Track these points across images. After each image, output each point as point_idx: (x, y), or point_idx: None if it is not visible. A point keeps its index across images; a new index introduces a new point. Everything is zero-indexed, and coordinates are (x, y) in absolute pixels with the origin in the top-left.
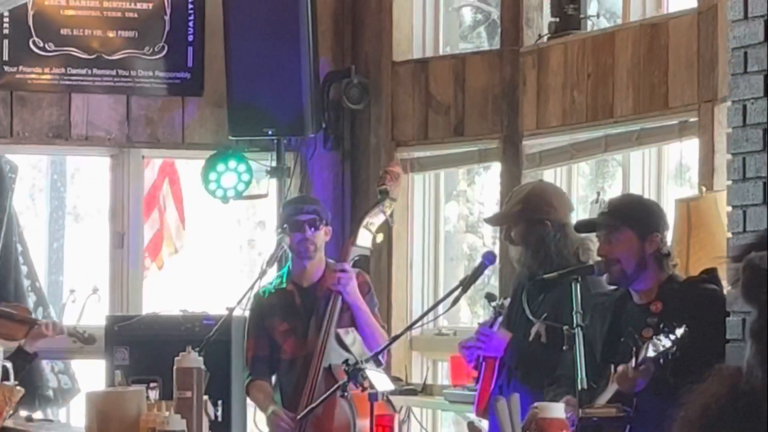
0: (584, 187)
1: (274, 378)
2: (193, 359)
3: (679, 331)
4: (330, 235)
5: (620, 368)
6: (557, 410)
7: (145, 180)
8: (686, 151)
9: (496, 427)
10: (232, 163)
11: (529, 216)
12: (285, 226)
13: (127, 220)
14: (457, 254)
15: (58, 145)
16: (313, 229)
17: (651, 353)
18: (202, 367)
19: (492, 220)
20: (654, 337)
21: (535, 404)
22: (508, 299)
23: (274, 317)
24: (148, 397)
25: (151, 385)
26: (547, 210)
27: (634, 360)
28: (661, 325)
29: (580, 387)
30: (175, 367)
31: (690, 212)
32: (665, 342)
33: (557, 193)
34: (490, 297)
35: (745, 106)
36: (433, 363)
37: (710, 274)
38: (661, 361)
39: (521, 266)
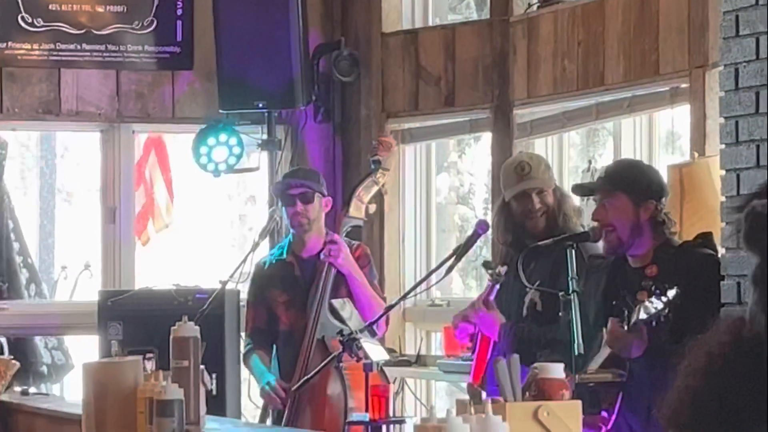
0: (575, 157)
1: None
2: (189, 329)
3: (671, 293)
4: (330, 206)
5: (610, 326)
6: (557, 370)
7: None
8: (677, 118)
9: (495, 395)
10: (222, 137)
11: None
12: (279, 201)
13: (119, 195)
14: (448, 226)
15: (48, 120)
16: (305, 202)
17: (643, 316)
18: (199, 336)
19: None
20: (646, 300)
21: (535, 365)
22: (505, 267)
23: (273, 288)
24: (144, 368)
25: (148, 355)
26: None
27: (626, 323)
28: (653, 287)
29: (576, 352)
30: (171, 337)
31: (682, 178)
32: (657, 304)
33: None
34: (487, 265)
35: (737, 70)
36: (426, 334)
37: (705, 239)
38: (654, 323)
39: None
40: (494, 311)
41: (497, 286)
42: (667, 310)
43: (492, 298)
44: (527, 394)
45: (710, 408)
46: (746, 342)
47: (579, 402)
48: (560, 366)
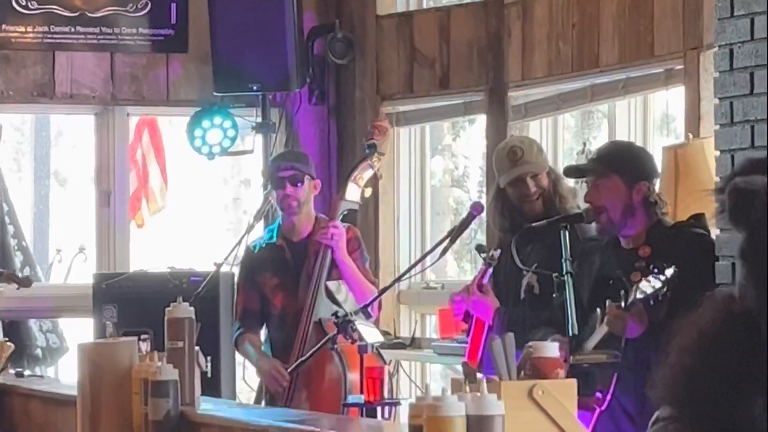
0: (570, 140)
1: (263, 332)
2: (184, 309)
3: (669, 272)
4: (319, 188)
5: (609, 308)
6: (552, 350)
7: None
8: (671, 100)
9: (490, 373)
10: (217, 120)
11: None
12: (269, 183)
13: (113, 178)
14: (443, 208)
15: (42, 103)
16: (294, 184)
17: (641, 295)
18: (193, 317)
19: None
20: (643, 278)
21: (530, 344)
22: (499, 250)
23: (264, 272)
24: (139, 349)
25: (143, 337)
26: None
27: (623, 302)
28: (651, 266)
29: (570, 333)
30: (166, 318)
31: (677, 159)
32: (655, 283)
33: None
34: (480, 248)
35: (731, 50)
36: (421, 317)
37: (698, 220)
38: (651, 302)
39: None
40: (488, 295)
41: (490, 270)
42: (665, 289)
43: (485, 281)
44: (522, 373)
45: (703, 385)
46: (737, 318)
47: (574, 381)
48: (555, 345)
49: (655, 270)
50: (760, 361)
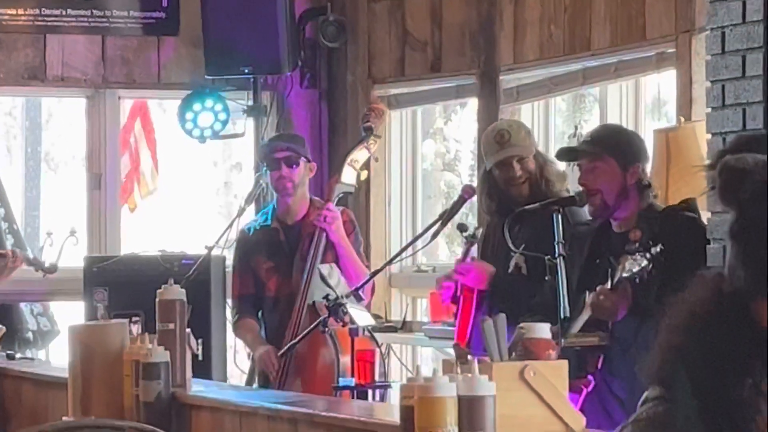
0: (561, 124)
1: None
2: (175, 291)
3: (654, 250)
4: (315, 171)
5: (598, 289)
6: (543, 330)
7: None
8: (663, 85)
9: (478, 353)
10: (208, 103)
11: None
12: (263, 164)
13: (104, 161)
14: (434, 192)
15: (33, 86)
16: (290, 166)
17: (626, 274)
18: (185, 299)
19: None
20: (629, 257)
21: (521, 325)
22: (480, 229)
23: (258, 254)
24: (130, 332)
25: (134, 319)
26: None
27: (609, 282)
28: (637, 245)
29: (562, 316)
30: (157, 300)
31: (668, 143)
32: (641, 261)
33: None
34: (462, 227)
35: (723, 33)
36: (412, 300)
37: (688, 204)
38: (637, 280)
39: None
40: (479, 262)
41: (472, 249)
42: (651, 266)
43: (468, 260)
44: (513, 354)
45: (691, 364)
46: (726, 298)
47: (565, 362)
48: (546, 326)
49: (641, 249)
50: (748, 342)
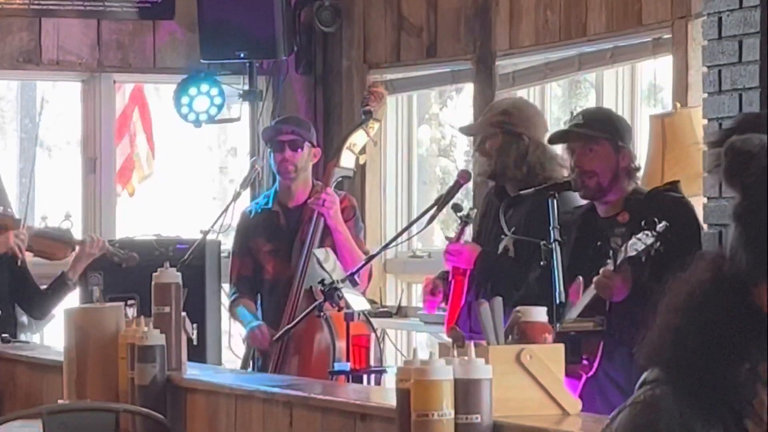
0: (557, 109)
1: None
2: (171, 275)
3: (661, 226)
4: (319, 157)
5: (602, 271)
6: (540, 314)
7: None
8: (659, 71)
9: (465, 332)
10: (204, 87)
11: (509, 128)
12: (267, 145)
13: (99, 145)
14: (430, 178)
15: (29, 70)
16: (294, 149)
17: (632, 253)
18: (180, 282)
19: (468, 129)
20: (633, 236)
21: (518, 308)
22: (475, 210)
23: (258, 237)
24: (126, 315)
25: (129, 302)
26: (525, 124)
27: (612, 263)
28: (643, 223)
29: (558, 301)
30: (153, 283)
31: (665, 128)
32: (646, 239)
33: (533, 110)
34: (456, 207)
35: (720, 19)
36: (407, 285)
37: (673, 185)
38: (643, 259)
39: (497, 178)
40: (468, 243)
41: (467, 229)
42: (658, 243)
43: (462, 240)
44: (510, 337)
45: (691, 346)
46: (727, 279)
47: (561, 346)
48: (543, 310)
49: (647, 226)
50: (747, 325)
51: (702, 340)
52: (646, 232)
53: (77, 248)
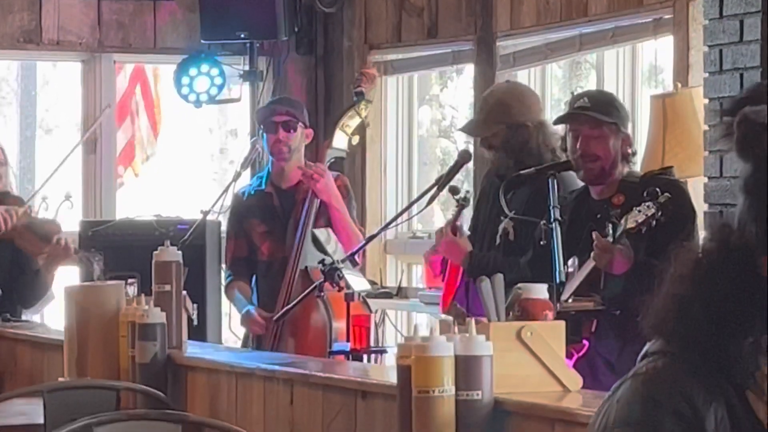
0: (558, 91)
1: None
2: (171, 253)
3: (662, 198)
4: (311, 138)
5: (597, 240)
6: (541, 291)
7: (117, 86)
8: (660, 51)
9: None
10: (204, 67)
11: (510, 120)
12: (261, 127)
13: (100, 126)
14: (430, 159)
15: (29, 50)
16: (288, 130)
17: (632, 224)
18: (181, 261)
19: (471, 131)
20: (634, 208)
21: (519, 285)
22: (470, 191)
23: (252, 218)
24: (126, 293)
25: (129, 281)
26: (524, 111)
27: (612, 236)
28: (645, 193)
29: (557, 281)
30: (153, 261)
31: (665, 108)
32: (647, 210)
33: (528, 92)
34: (453, 190)
35: None
36: (407, 266)
37: (666, 170)
38: (644, 230)
39: (504, 170)
40: (461, 238)
41: (464, 211)
42: (660, 213)
43: (459, 223)
44: (510, 314)
45: (695, 316)
46: (734, 250)
47: (562, 323)
48: (544, 287)
49: (649, 197)
50: (753, 297)
51: (707, 311)
52: (647, 203)
53: (47, 249)
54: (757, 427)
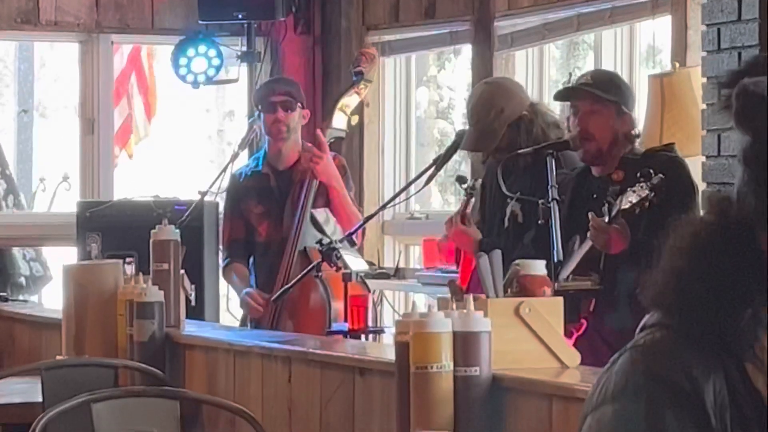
0: (555, 72)
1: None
2: (169, 232)
3: (656, 180)
4: (308, 118)
5: (592, 220)
6: (539, 267)
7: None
8: (658, 32)
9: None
10: (202, 48)
11: (509, 121)
12: (259, 107)
13: (97, 107)
14: (428, 140)
15: (26, 30)
16: (286, 110)
17: (626, 205)
18: (179, 240)
19: (473, 146)
20: (629, 189)
21: (517, 261)
22: (479, 180)
23: (249, 199)
24: (124, 272)
25: (127, 260)
26: (516, 106)
27: (607, 216)
28: (638, 174)
29: (556, 259)
30: (151, 240)
31: (663, 88)
32: (641, 192)
33: (509, 85)
34: (460, 179)
35: None
36: (405, 247)
37: (668, 146)
38: (637, 211)
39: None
40: (470, 227)
41: (473, 200)
42: (653, 195)
43: (468, 212)
44: (509, 290)
45: (694, 288)
46: (733, 223)
47: (560, 299)
48: (542, 263)
49: (642, 178)
50: (751, 270)
51: (705, 284)
52: (641, 184)
53: None
54: (756, 399)
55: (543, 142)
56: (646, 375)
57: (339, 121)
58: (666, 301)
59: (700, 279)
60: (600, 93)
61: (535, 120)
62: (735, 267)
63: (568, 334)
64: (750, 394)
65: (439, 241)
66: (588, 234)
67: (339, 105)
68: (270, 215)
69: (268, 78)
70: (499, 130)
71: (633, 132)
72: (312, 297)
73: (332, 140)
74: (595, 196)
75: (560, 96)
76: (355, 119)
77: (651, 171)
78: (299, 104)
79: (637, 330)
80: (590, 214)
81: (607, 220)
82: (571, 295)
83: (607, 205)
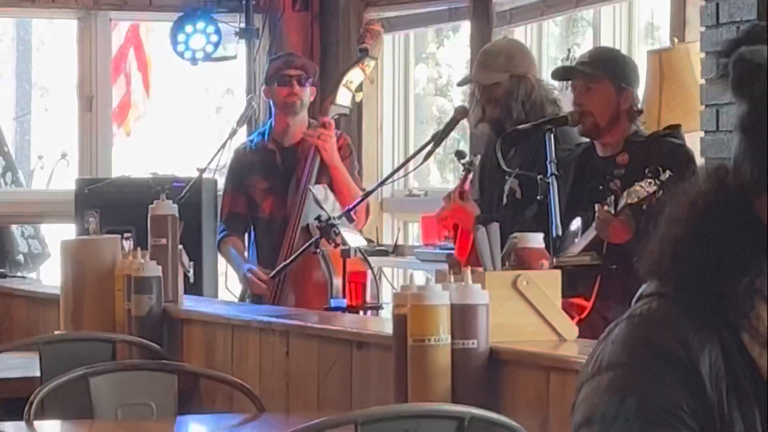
0: (554, 49)
1: (246, 237)
2: (167, 207)
3: (664, 176)
4: (315, 95)
5: (598, 210)
6: (537, 240)
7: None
8: (656, 8)
9: None
10: (200, 25)
11: (513, 71)
12: (273, 79)
13: (96, 84)
14: (426, 117)
15: (24, 7)
16: (302, 85)
17: (633, 200)
18: (177, 214)
19: (470, 77)
20: (636, 183)
21: (514, 234)
22: (478, 156)
23: (253, 175)
24: (122, 247)
25: (125, 235)
26: (527, 63)
27: (613, 208)
28: (647, 171)
29: (554, 235)
30: (149, 215)
31: (662, 63)
32: (649, 188)
33: (527, 48)
34: (459, 154)
35: None
36: (404, 224)
37: (674, 130)
38: (644, 207)
39: (505, 124)
40: (468, 203)
41: (471, 176)
42: (660, 192)
43: (467, 187)
44: (506, 263)
45: (691, 257)
46: (730, 191)
47: (558, 272)
48: (540, 236)
49: (650, 174)
50: (748, 238)
51: (702, 252)
52: (649, 180)
53: None
54: (752, 368)
55: (538, 111)
56: (643, 344)
57: (343, 97)
58: (662, 270)
59: (696, 247)
60: (591, 71)
61: (536, 87)
62: (731, 235)
63: (569, 316)
64: (746, 364)
65: (438, 212)
66: (593, 224)
67: (343, 81)
68: (274, 191)
69: (267, 55)
70: (502, 73)
71: (635, 108)
72: (313, 273)
73: (336, 116)
74: (596, 181)
75: (557, 75)
76: (359, 96)
77: (660, 168)
78: (310, 80)
79: (634, 300)
80: (597, 206)
81: (613, 212)
82: (571, 271)
83: (612, 196)
